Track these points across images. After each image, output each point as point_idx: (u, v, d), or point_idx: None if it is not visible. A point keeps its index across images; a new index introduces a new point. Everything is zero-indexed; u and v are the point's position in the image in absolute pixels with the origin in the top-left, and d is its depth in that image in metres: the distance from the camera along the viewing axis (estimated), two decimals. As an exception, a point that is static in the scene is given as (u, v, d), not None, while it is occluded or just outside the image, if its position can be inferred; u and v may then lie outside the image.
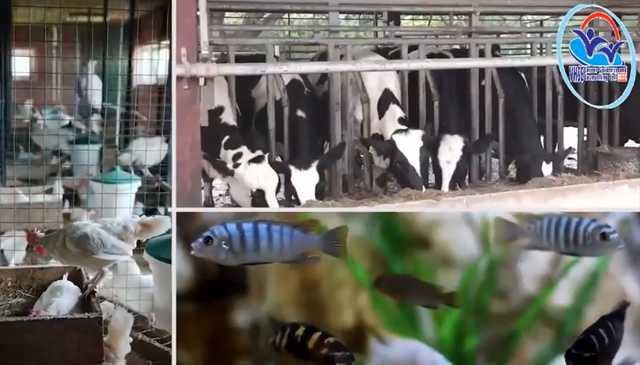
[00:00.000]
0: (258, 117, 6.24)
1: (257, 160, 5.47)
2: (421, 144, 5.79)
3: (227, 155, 5.61)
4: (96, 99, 9.79)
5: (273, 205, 5.40)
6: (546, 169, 6.21)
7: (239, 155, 5.55)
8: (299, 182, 5.58)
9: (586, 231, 3.35)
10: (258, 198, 5.40)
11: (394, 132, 5.86)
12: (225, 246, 3.21)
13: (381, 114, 6.19)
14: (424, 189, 5.67)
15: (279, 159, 5.85)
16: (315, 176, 5.62)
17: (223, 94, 5.78)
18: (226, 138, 5.68)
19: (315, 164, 5.64)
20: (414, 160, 5.76)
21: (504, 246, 3.68)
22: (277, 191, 5.56)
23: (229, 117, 5.81)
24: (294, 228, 3.25)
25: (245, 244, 3.21)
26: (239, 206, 5.65)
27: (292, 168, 5.61)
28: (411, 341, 3.52)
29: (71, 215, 6.76)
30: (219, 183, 7.42)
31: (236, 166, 5.46)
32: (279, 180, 5.58)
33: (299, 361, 3.26)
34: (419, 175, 5.74)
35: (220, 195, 7.78)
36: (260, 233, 3.22)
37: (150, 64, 7.91)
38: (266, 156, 5.52)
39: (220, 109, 5.76)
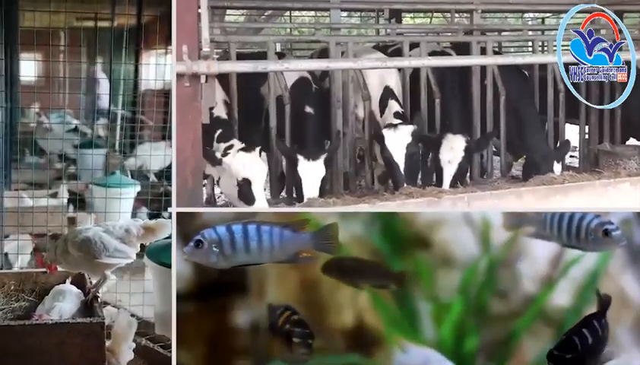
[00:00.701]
0: (266, 114, 6.23)
1: (246, 149, 5.43)
2: (409, 140, 5.75)
3: (220, 148, 5.60)
4: (102, 103, 9.81)
5: (259, 197, 5.35)
6: (557, 168, 6.20)
7: (230, 147, 5.54)
8: (306, 173, 5.58)
9: (589, 226, 3.37)
10: (244, 187, 5.35)
11: (385, 126, 5.87)
12: (215, 249, 3.22)
13: (382, 111, 6.19)
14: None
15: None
16: (322, 169, 5.63)
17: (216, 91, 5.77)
18: (219, 131, 5.67)
19: (323, 157, 5.64)
20: (399, 156, 5.74)
21: (511, 232, 3.68)
22: (279, 193, 5.53)
23: (221, 111, 5.80)
24: (284, 228, 3.25)
25: (236, 246, 3.22)
26: (228, 199, 5.64)
27: (300, 157, 5.61)
28: (424, 348, 3.50)
29: (75, 219, 6.76)
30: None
31: (225, 154, 5.45)
32: (284, 178, 5.54)
33: (272, 338, 3.39)
34: (402, 172, 5.72)
35: (222, 193, 7.77)
36: (250, 235, 3.23)
37: (156, 68, 7.92)
38: (257, 148, 5.48)
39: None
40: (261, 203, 5.36)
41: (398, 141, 5.74)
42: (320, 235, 3.30)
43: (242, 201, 5.39)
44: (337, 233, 3.30)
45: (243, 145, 5.48)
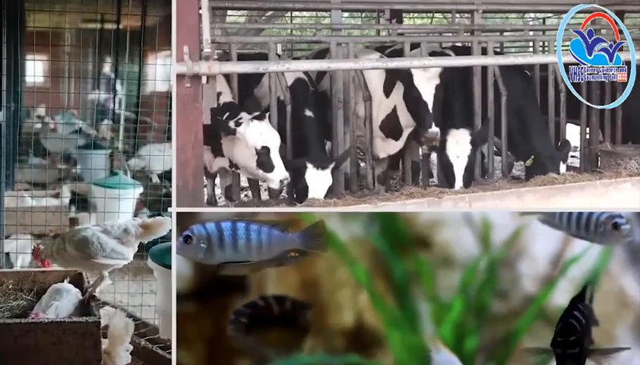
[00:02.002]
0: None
1: (258, 117, 5.45)
2: (438, 81, 5.76)
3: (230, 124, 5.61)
4: (107, 104, 9.83)
5: (278, 164, 5.40)
6: (563, 168, 6.19)
7: (239, 119, 5.53)
8: (313, 181, 5.59)
9: (598, 219, 3.40)
10: (264, 155, 5.39)
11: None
12: (203, 245, 3.24)
13: (387, 93, 6.18)
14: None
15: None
16: (329, 178, 5.64)
17: (220, 82, 5.77)
18: (227, 114, 5.67)
19: (331, 166, 5.66)
20: (428, 96, 5.73)
21: (524, 219, 3.73)
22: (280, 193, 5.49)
23: (227, 97, 5.84)
24: (272, 227, 3.27)
25: (224, 243, 3.24)
26: (244, 169, 5.67)
27: (308, 165, 5.61)
28: (451, 354, 3.49)
29: (77, 220, 6.76)
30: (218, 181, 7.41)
31: (238, 124, 5.45)
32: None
33: None
34: (431, 111, 5.72)
35: (222, 194, 7.79)
36: (238, 233, 3.24)
37: (161, 70, 7.93)
38: (267, 114, 5.52)
39: (219, 94, 5.76)
40: (280, 169, 5.41)
41: (427, 80, 5.75)
42: (307, 233, 3.30)
43: (261, 170, 5.44)
44: (323, 229, 3.31)
45: (254, 114, 5.48)
